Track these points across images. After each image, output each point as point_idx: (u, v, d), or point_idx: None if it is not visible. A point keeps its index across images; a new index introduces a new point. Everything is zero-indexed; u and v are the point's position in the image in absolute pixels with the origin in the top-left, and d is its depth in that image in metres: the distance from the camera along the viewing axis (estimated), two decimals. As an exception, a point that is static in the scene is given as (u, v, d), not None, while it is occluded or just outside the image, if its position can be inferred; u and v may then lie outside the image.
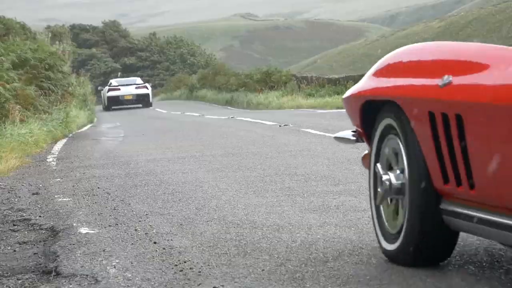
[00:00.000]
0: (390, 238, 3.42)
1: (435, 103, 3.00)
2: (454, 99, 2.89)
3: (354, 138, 3.89)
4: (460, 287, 3.04)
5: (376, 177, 3.49)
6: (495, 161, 2.69)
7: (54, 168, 9.03)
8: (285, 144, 9.89)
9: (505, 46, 2.85)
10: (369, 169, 3.62)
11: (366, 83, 3.67)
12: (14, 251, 4.40)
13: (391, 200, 3.42)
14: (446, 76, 2.98)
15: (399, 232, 3.32)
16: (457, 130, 2.88)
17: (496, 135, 2.67)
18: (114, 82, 39.12)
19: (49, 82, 16.52)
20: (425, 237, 3.17)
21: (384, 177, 3.36)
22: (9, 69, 13.75)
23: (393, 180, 3.31)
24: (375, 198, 3.55)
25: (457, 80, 2.92)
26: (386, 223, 3.50)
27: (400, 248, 3.29)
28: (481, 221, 2.85)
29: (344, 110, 4.10)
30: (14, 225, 5.22)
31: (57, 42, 28.15)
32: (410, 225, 3.19)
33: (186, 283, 3.33)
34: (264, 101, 31.55)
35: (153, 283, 3.38)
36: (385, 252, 3.46)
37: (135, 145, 11.82)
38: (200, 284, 3.30)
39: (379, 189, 3.43)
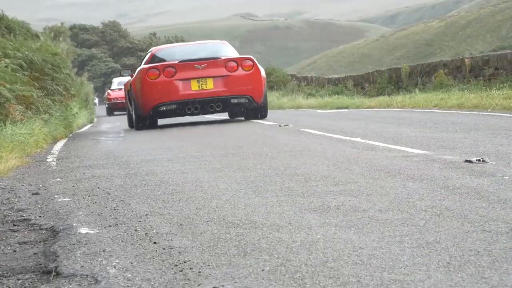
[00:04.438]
0: None
1: None
2: None
3: None
4: (460, 286, 3.04)
5: None
6: None
7: (54, 168, 9.03)
8: (285, 144, 9.89)
9: None
10: None
11: None
12: (14, 251, 4.40)
13: None
14: None
15: None
16: None
17: None
18: None
19: (52, 82, 16.53)
20: None
21: None
22: (13, 69, 13.75)
23: None
24: None
25: None
26: None
27: None
28: None
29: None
30: (14, 225, 5.23)
31: (60, 39, 28.20)
32: None
33: (186, 283, 3.33)
34: (264, 101, 31.55)
35: (153, 283, 3.38)
36: None
37: (135, 145, 11.82)
38: (200, 284, 3.30)
39: None
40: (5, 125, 11.94)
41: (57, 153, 11.45)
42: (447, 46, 69.44)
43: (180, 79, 14.73)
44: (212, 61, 14.90)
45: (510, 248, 3.59)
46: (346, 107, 21.58)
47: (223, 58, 15.09)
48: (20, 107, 13.34)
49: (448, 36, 71.89)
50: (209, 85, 14.76)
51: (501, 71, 19.57)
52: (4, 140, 10.62)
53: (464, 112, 14.74)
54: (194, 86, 14.77)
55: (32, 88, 14.15)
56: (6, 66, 13.55)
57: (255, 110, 15.80)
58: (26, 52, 15.36)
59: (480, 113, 14.01)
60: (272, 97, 31.38)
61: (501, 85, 18.19)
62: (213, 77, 14.76)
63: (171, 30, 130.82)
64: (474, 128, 10.37)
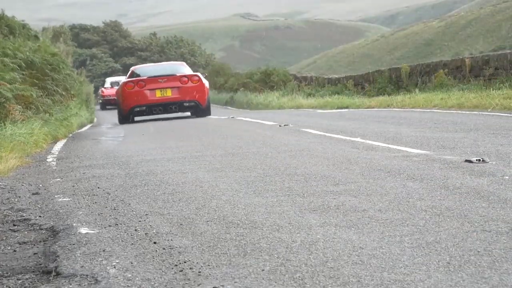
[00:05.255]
0: None
1: None
2: None
3: None
4: (460, 286, 3.05)
5: None
6: None
7: (54, 168, 9.03)
8: (285, 144, 9.89)
9: None
10: None
11: None
12: (14, 251, 4.40)
13: None
14: None
15: None
16: None
17: None
18: None
19: (52, 83, 16.53)
20: None
21: None
22: (13, 69, 13.74)
23: None
24: None
25: None
26: None
27: None
28: None
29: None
30: (14, 225, 5.23)
31: (60, 40, 28.34)
32: None
33: (186, 283, 3.33)
34: (264, 101, 31.55)
35: (153, 283, 3.38)
36: None
37: (135, 145, 11.82)
38: (200, 284, 3.30)
39: None
40: (5, 125, 11.93)
41: (57, 153, 11.45)
42: (447, 46, 69.49)
43: (148, 89, 20.62)
44: (170, 77, 20.89)
45: (510, 248, 3.59)
46: (346, 107, 21.57)
47: (178, 74, 21.06)
48: (19, 106, 13.33)
49: (448, 36, 71.91)
50: (168, 93, 20.65)
51: (501, 71, 19.58)
52: (4, 140, 10.61)
53: (464, 112, 14.74)
54: (158, 94, 20.65)
55: (31, 88, 14.14)
56: (5, 65, 13.55)
57: (202, 111, 21.23)
58: (27, 53, 15.36)
59: (480, 113, 14.02)
60: (272, 97, 31.37)
61: (501, 85, 18.19)
62: (171, 87, 20.63)
63: (171, 30, 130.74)
64: (474, 128, 10.37)
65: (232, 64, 70.01)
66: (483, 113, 13.96)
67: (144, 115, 21.57)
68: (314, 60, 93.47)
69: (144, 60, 79.18)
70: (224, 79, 44.61)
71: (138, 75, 21.34)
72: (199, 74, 21.73)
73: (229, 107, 35.90)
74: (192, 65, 78.39)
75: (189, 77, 20.85)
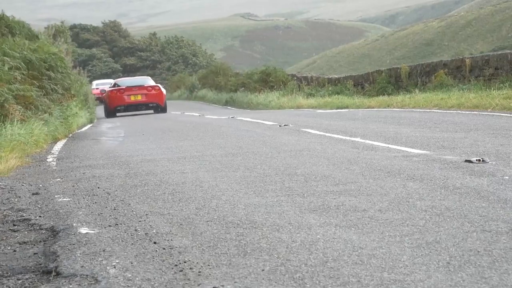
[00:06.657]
0: None
1: None
2: None
3: None
4: (460, 286, 3.05)
5: None
6: None
7: (54, 168, 9.03)
8: (285, 144, 9.89)
9: None
10: None
11: None
12: (14, 251, 4.41)
13: None
14: None
15: None
16: None
17: None
18: None
19: (51, 82, 16.50)
20: None
21: None
22: (11, 68, 13.72)
23: None
24: None
25: None
26: None
27: None
28: None
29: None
30: (14, 225, 5.23)
31: (59, 38, 28.71)
32: None
33: (186, 283, 3.33)
34: (264, 101, 31.55)
35: (153, 283, 3.38)
36: None
37: (135, 145, 11.82)
38: (200, 284, 3.31)
39: None
40: (4, 125, 11.93)
41: (57, 153, 11.45)
42: (447, 46, 69.52)
43: (126, 95, 29.82)
44: (140, 87, 30.42)
45: (510, 248, 3.59)
46: (346, 107, 21.58)
47: (145, 85, 30.73)
48: (19, 107, 13.32)
49: (448, 36, 71.96)
50: (139, 97, 30.01)
51: (501, 71, 19.58)
52: (4, 140, 10.61)
53: (464, 112, 14.74)
54: (132, 98, 29.92)
55: (31, 88, 14.12)
56: (4, 64, 13.54)
57: (161, 109, 30.11)
58: (24, 52, 15.33)
59: (480, 113, 14.02)
60: (272, 97, 31.38)
61: (501, 85, 18.18)
62: (141, 94, 29.99)
63: (171, 30, 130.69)
64: (474, 128, 10.37)
65: (232, 64, 69.98)
66: (483, 113, 13.96)
67: (123, 112, 30.53)
68: (314, 60, 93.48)
69: (144, 60, 79.29)
70: (224, 79, 44.56)
71: (119, 85, 30.85)
72: (159, 85, 31.50)
73: (229, 107, 35.91)
74: (193, 65, 78.43)
75: (152, 87, 30.42)
